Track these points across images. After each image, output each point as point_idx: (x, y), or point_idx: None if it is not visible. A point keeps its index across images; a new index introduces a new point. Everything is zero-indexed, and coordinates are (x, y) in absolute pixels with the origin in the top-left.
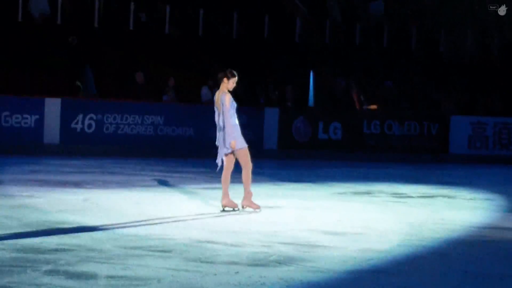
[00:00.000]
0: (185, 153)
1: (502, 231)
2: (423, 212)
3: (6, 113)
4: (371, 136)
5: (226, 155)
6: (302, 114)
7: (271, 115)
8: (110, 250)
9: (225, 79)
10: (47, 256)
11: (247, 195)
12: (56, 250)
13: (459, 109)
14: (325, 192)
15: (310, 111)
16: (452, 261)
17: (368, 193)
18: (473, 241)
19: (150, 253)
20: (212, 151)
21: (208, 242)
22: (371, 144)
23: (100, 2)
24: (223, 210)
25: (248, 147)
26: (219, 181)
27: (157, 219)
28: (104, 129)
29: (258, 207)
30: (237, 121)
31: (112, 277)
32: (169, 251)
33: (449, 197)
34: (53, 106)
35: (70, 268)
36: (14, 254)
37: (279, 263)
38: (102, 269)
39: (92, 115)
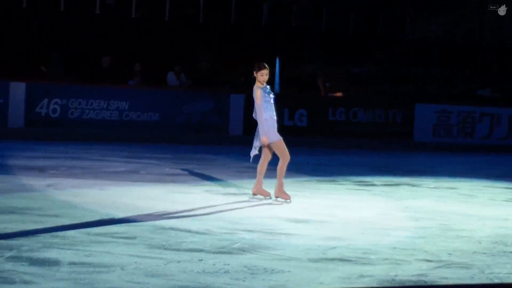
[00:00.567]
0: (151, 138)
1: (465, 219)
2: (387, 200)
3: None
4: (337, 123)
5: (260, 147)
6: None
7: (237, 101)
8: (74, 237)
9: (254, 73)
10: (9, 242)
11: (279, 186)
12: (19, 236)
13: (423, 92)
14: (290, 179)
15: (276, 97)
16: (415, 250)
17: (332, 180)
18: (436, 229)
19: (114, 239)
20: (177, 136)
21: (172, 229)
22: (337, 131)
23: None
24: (253, 197)
25: (281, 139)
26: (185, 167)
27: (121, 205)
28: (69, 113)
29: (288, 197)
30: (272, 114)
31: (75, 263)
32: (133, 238)
33: (413, 185)
34: (17, 90)
35: (33, 255)
36: None
37: (243, 250)
38: (65, 256)
39: (57, 99)
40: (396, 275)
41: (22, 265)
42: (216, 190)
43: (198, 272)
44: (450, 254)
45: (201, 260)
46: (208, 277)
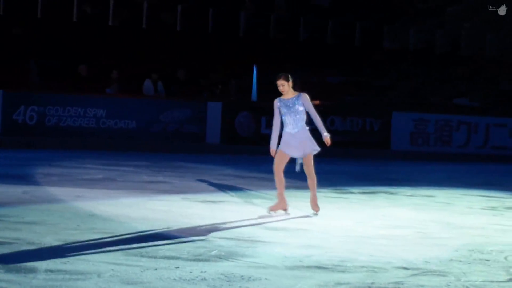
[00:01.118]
0: (128, 146)
1: (442, 227)
2: (365, 208)
3: None
4: (314, 131)
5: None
6: (245, 109)
7: (214, 109)
8: (50, 244)
9: None
10: None
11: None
12: None
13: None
14: (268, 187)
15: (253, 105)
16: (392, 257)
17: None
18: (413, 237)
19: (91, 247)
20: (154, 144)
21: (149, 236)
22: (314, 139)
23: None
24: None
25: (281, 151)
26: (162, 175)
27: (98, 212)
28: (46, 121)
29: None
30: (291, 128)
31: (51, 271)
32: (110, 245)
33: (390, 193)
34: None
35: (9, 262)
36: None
37: (220, 258)
38: (41, 263)
39: (34, 107)
40: (372, 283)
41: None
42: (193, 197)
43: (175, 279)
44: (427, 261)
45: (178, 267)
46: (185, 285)
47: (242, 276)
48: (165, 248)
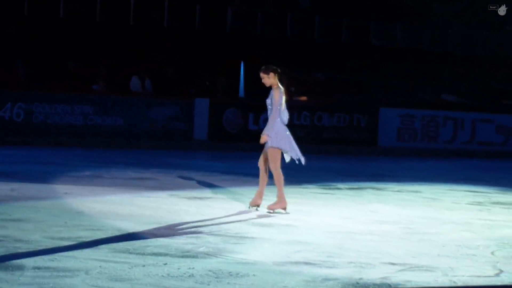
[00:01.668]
0: (115, 143)
1: (429, 222)
2: (352, 204)
3: None
4: (301, 127)
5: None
6: (232, 105)
7: (202, 106)
8: (37, 241)
9: None
10: None
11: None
12: None
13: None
14: (255, 183)
15: (240, 102)
16: (380, 253)
17: (297, 184)
18: (401, 233)
19: (78, 244)
20: (142, 141)
21: (137, 233)
22: (301, 135)
23: None
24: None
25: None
26: (150, 171)
27: (85, 209)
28: (33, 118)
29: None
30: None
31: (39, 268)
32: (97, 242)
33: (377, 189)
34: None
35: None
36: None
37: (208, 254)
38: (29, 260)
39: (21, 104)
40: (360, 278)
41: None
42: (181, 194)
43: (162, 276)
44: (414, 257)
45: (166, 264)
46: (173, 281)
47: (230, 272)
48: (153, 245)
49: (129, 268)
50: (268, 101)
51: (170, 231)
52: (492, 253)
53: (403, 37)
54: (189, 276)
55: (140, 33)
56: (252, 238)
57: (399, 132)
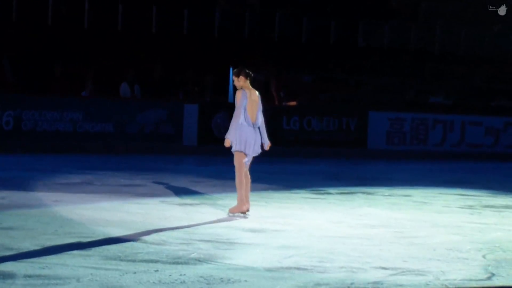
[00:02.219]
0: (105, 149)
1: (420, 226)
2: (342, 208)
3: None
4: (291, 132)
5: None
6: (221, 110)
7: (191, 111)
8: (28, 249)
9: None
10: None
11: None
12: None
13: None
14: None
15: (229, 107)
16: (371, 257)
17: (287, 189)
18: (391, 237)
19: (69, 251)
20: (131, 146)
21: (128, 240)
22: (291, 140)
23: None
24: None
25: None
26: (139, 177)
27: (76, 216)
28: (22, 125)
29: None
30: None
31: (30, 276)
32: (88, 249)
33: (367, 193)
34: None
35: None
36: None
37: (199, 260)
38: (20, 268)
39: (10, 111)
40: (352, 283)
41: None
42: (171, 200)
43: (154, 283)
44: (405, 261)
45: (157, 270)
46: None
47: (221, 278)
48: (143, 252)
49: (120, 275)
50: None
51: (161, 237)
52: (484, 256)
53: (390, 36)
54: (181, 282)
55: (128, 38)
56: (243, 243)
57: (388, 135)
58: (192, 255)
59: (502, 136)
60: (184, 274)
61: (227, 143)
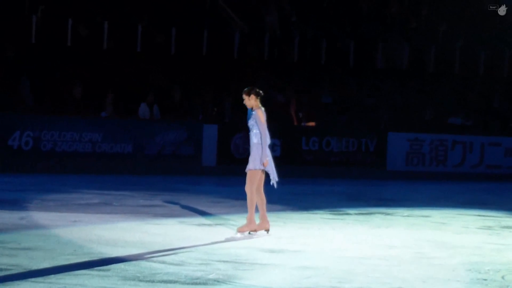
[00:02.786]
0: (123, 169)
1: (439, 247)
2: (361, 228)
3: None
4: (310, 152)
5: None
6: (240, 131)
7: (210, 131)
8: (47, 269)
9: None
10: None
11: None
12: None
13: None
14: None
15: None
16: (390, 278)
17: (306, 210)
18: (410, 257)
19: (88, 272)
20: (150, 167)
21: (147, 260)
22: (310, 160)
23: (37, 16)
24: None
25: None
26: (158, 198)
27: (94, 237)
28: (42, 146)
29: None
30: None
31: None
32: (107, 270)
33: (386, 213)
34: None
35: None
36: None
37: (218, 281)
38: None
39: (29, 132)
40: None
41: None
42: (190, 221)
43: None
44: (424, 281)
45: None
46: None
47: None
48: (162, 272)
49: None
50: (251, 122)
51: (180, 258)
52: (503, 277)
53: (410, 57)
54: None
55: (147, 59)
56: (262, 264)
57: (407, 156)
58: (211, 276)
59: None
60: None
61: (266, 164)
